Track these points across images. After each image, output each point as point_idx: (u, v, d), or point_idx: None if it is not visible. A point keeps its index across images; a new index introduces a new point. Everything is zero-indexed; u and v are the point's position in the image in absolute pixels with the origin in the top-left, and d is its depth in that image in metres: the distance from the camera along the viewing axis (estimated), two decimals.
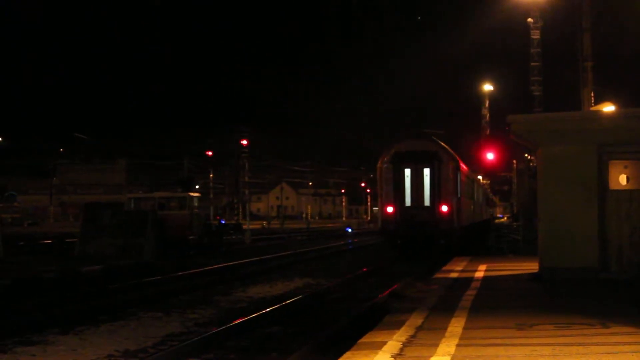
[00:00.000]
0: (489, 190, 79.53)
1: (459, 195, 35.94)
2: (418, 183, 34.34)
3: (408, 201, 34.38)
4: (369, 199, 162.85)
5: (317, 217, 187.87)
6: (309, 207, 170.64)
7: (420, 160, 34.31)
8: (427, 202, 34.31)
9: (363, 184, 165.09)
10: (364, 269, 30.57)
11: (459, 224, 36.25)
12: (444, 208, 34.17)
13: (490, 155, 37.38)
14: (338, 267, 34.09)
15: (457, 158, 36.66)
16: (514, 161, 46.59)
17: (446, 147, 36.30)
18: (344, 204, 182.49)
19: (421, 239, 34.29)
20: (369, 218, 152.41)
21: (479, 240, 44.84)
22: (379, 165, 35.38)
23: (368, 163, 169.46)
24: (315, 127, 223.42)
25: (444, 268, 24.97)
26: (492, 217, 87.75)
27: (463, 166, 38.63)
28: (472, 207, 44.26)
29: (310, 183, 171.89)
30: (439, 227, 34.10)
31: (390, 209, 34.42)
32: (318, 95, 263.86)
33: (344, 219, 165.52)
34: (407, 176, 34.35)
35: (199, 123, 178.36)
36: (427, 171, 34.31)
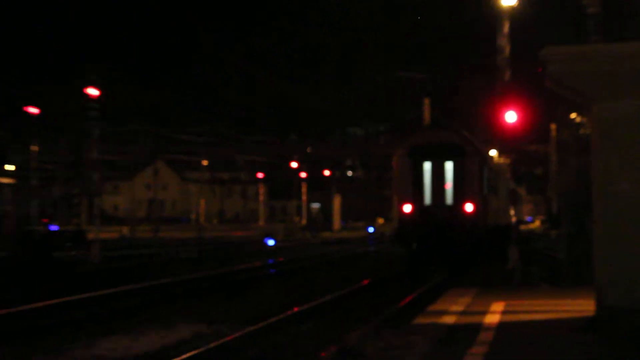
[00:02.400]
0: (508, 175, 79.97)
1: (484, 193, 46.23)
2: (439, 179, 44.93)
3: (427, 199, 45.13)
4: (303, 190, 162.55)
5: (215, 220, 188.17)
6: (203, 202, 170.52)
7: (442, 153, 45.09)
8: (449, 201, 44.90)
9: (295, 165, 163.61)
10: (295, 309, 30.78)
11: (484, 225, 46.49)
12: (469, 207, 44.56)
13: (511, 116, 37.87)
14: (251, 304, 34.48)
15: (484, 151, 46.02)
16: (552, 126, 47.10)
17: (472, 139, 47.23)
18: (261, 197, 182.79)
19: (442, 242, 44.22)
20: (303, 221, 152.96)
21: (495, 255, 46.15)
22: (394, 159, 46.65)
23: (309, 129, 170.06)
24: (217, 70, 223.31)
25: (432, 308, 25.17)
26: (517, 222, 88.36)
27: (489, 160, 49.47)
28: (497, 204, 54.94)
29: (206, 163, 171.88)
30: (462, 228, 44.11)
31: (407, 208, 45.08)
32: (227, 22, 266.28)
33: (261, 222, 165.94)
34: (427, 171, 45.13)
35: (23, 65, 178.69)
36: (449, 165, 44.95)
